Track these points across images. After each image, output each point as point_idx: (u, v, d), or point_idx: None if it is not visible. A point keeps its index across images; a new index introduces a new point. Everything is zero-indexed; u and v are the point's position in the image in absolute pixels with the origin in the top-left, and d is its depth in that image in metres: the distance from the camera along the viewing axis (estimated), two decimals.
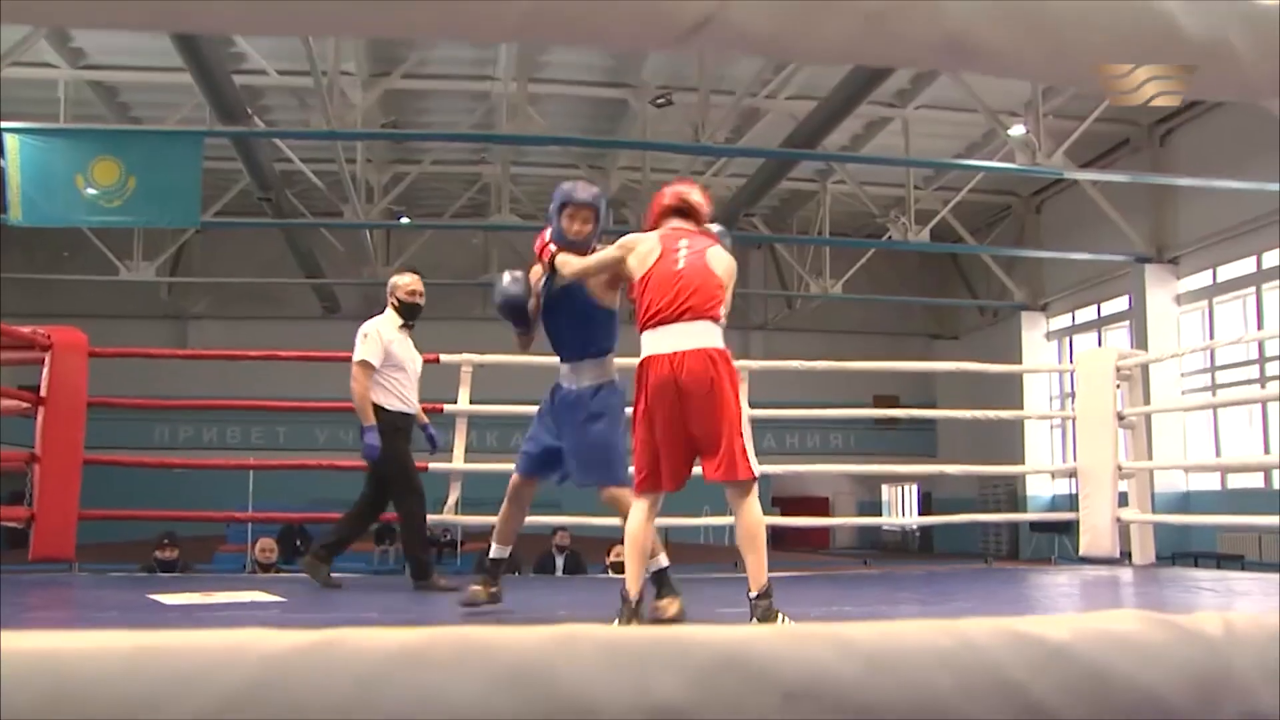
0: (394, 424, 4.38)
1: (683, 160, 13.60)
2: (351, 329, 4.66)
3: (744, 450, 2.95)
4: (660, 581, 3.23)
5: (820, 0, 0.81)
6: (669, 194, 3.27)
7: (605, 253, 3.23)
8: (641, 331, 3.04)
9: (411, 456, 4.49)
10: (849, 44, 0.81)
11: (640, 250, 3.13)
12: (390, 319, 4.51)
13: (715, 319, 3.01)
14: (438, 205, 16.28)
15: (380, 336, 4.43)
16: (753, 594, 2.88)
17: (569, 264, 3.27)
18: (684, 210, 3.22)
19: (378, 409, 4.36)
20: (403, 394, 4.43)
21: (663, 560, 3.21)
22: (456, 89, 12.58)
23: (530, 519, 3.67)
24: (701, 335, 2.97)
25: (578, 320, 3.36)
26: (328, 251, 16.21)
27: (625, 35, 0.78)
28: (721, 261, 3.12)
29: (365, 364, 4.36)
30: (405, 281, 4.57)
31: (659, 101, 11.72)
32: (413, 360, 4.53)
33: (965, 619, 0.82)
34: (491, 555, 3.53)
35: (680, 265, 3.04)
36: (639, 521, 2.98)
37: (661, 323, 3.00)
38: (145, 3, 0.81)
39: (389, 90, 11.98)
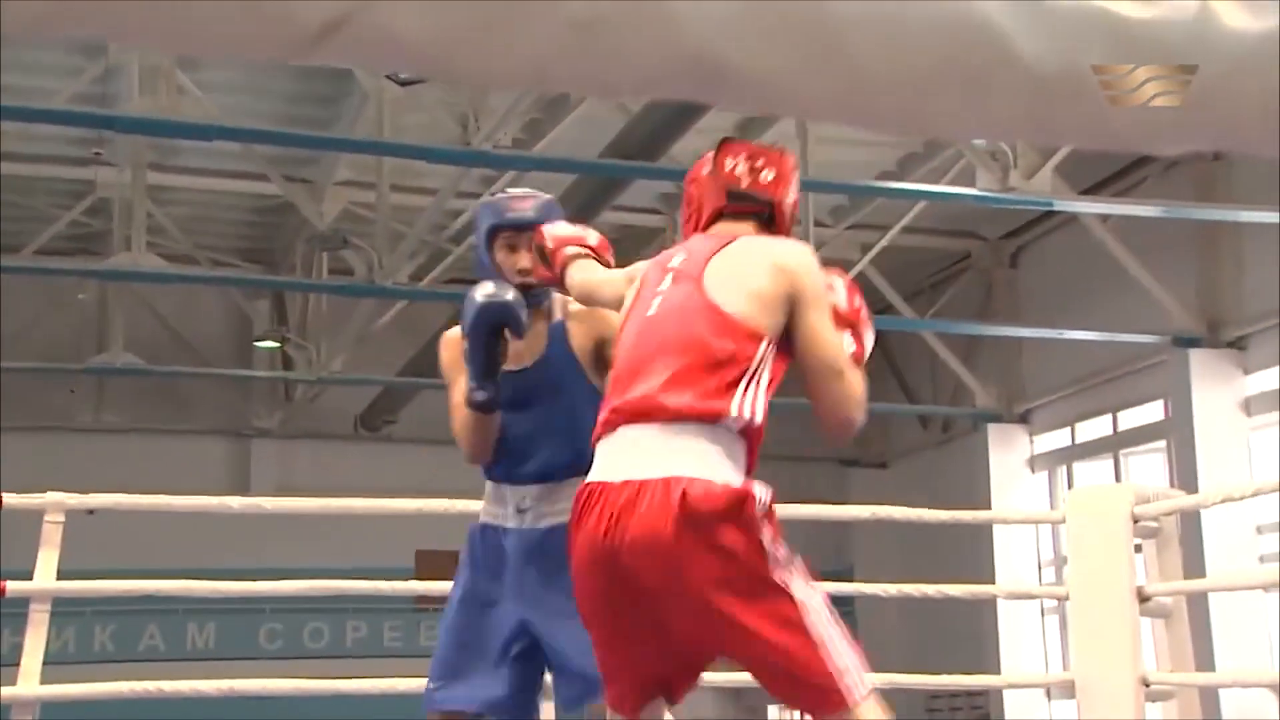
0: None
1: (444, 172, 13.63)
2: None
3: (828, 659, 2.76)
4: None
5: None
6: (711, 179, 3.03)
7: (611, 276, 3.21)
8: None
9: None
10: (548, 63, 0.91)
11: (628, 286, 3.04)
12: None
13: (712, 417, 2.69)
14: (14, 235, 15.75)
15: None
16: None
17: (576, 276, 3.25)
18: (739, 202, 2.99)
19: None
20: None
21: None
22: None
23: None
24: (677, 451, 2.68)
25: (562, 408, 3.42)
26: None
27: (237, 42, 0.84)
28: (758, 267, 2.82)
29: None
30: None
31: (404, 77, 11.62)
32: None
33: None
34: None
35: (651, 310, 2.85)
36: None
37: (607, 426, 2.79)
38: None
39: None
